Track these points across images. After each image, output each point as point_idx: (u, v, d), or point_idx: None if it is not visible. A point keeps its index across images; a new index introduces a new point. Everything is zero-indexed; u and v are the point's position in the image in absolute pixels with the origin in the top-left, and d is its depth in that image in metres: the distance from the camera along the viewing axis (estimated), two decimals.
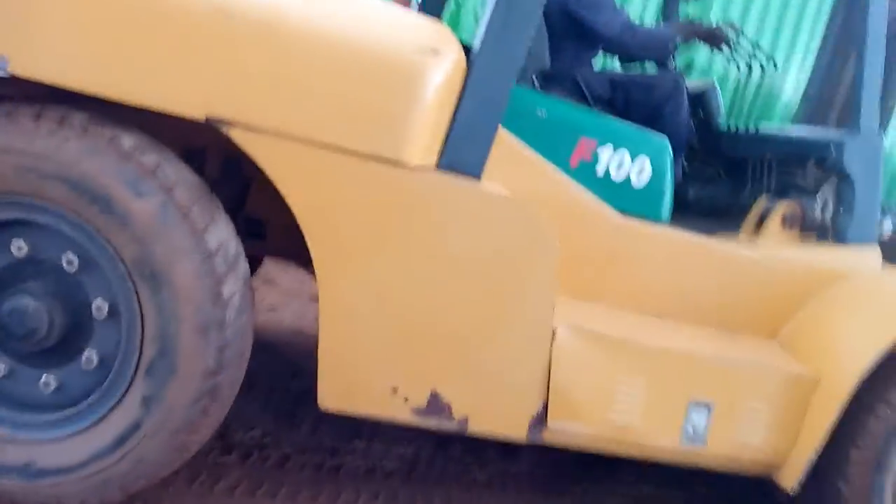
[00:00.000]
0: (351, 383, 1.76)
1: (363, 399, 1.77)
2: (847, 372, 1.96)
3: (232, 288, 1.59)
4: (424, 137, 1.69)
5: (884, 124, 3.02)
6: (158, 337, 1.56)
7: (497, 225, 1.76)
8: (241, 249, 1.68)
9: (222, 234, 1.61)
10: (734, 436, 1.97)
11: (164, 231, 1.51)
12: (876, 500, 2.00)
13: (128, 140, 1.52)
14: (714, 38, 2.64)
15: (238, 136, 1.57)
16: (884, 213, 2.41)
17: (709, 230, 2.33)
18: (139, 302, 1.56)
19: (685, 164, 2.98)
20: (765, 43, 5.44)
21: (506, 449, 2.35)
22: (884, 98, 2.89)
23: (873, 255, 2.28)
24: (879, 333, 1.98)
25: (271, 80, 1.57)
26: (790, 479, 2.00)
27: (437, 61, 1.68)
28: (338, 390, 1.75)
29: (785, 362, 2.04)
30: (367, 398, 1.77)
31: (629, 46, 2.63)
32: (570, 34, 2.65)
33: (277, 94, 1.58)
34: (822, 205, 2.28)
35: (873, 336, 1.99)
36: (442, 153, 1.76)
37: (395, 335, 1.74)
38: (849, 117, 2.26)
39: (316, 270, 1.68)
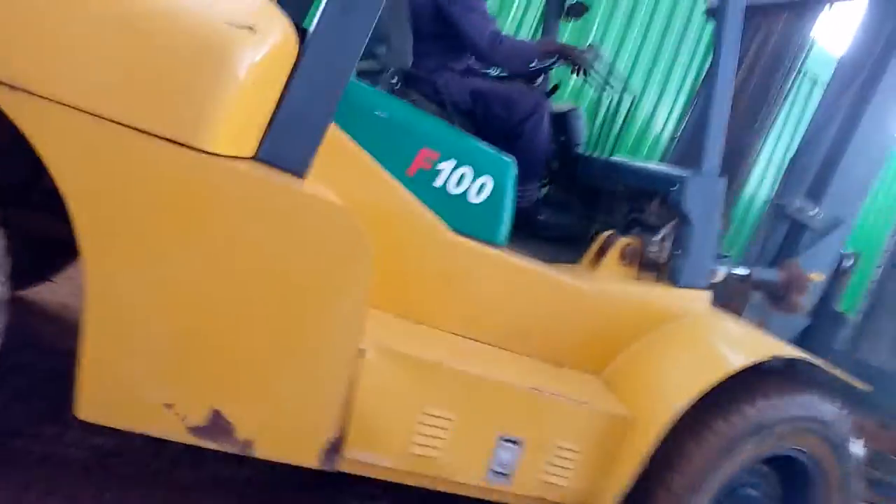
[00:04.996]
0: (116, 394, 1.52)
1: (130, 413, 1.54)
2: (659, 414, 1.93)
3: None
4: (234, 123, 1.50)
5: (744, 173, 3.09)
6: None
7: (308, 230, 1.59)
8: None
9: None
10: (542, 475, 1.88)
11: None
12: None
13: None
14: (573, 59, 2.57)
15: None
16: (719, 258, 2.42)
17: (552, 257, 2.26)
18: None
19: (545, 187, 2.93)
20: (640, 72, 5.56)
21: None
22: (743, 148, 2.97)
23: (703, 298, 2.28)
24: (694, 378, 1.96)
25: (43, 36, 1.33)
26: None
27: (252, 38, 1.49)
28: (100, 400, 1.50)
29: (603, 401, 1.98)
30: (135, 412, 1.54)
31: (492, 55, 2.53)
32: (438, 36, 2.52)
33: (51, 52, 1.33)
34: (660, 243, 2.26)
35: (688, 380, 1.97)
36: (261, 144, 1.59)
37: (174, 344, 1.52)
38: (693, 158, 2.25)
39: (83, 262, 1.44)
